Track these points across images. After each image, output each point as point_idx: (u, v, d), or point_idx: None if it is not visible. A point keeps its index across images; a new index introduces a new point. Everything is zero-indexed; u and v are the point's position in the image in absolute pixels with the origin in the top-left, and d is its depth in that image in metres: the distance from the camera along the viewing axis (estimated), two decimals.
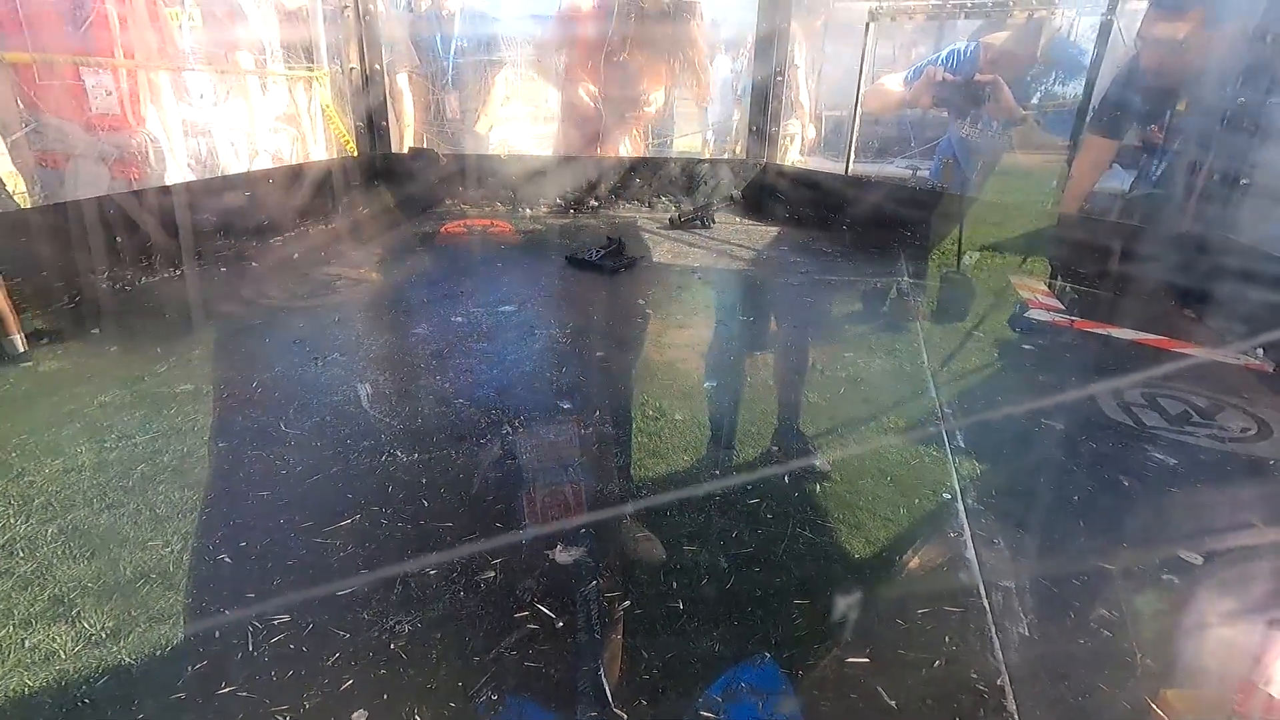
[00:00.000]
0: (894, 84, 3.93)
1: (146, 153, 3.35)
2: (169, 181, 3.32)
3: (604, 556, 1.20)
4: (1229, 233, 2.39)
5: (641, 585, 1.14)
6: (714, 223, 3.84)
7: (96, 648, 0.99)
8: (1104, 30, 2.88)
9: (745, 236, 3.63)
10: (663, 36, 4.41)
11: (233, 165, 4.26)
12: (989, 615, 1.08)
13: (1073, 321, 2.39)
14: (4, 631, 1.02)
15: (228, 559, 1.17)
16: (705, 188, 4.21)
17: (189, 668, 0.96)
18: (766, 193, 4.12)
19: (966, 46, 3.71)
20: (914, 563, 1.22)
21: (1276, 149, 2.30)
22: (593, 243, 3.20)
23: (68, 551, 1.18)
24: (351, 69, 3.93)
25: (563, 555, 1.19)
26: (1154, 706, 0.94)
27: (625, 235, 3.29)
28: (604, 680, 0.96)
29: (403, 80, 4.95)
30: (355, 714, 0.90)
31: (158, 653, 0.99)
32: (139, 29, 3.23)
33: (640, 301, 2.60)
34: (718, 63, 5.97)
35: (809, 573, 1.17)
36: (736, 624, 1.06)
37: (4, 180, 3.27)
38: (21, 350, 1.93)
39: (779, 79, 3.94)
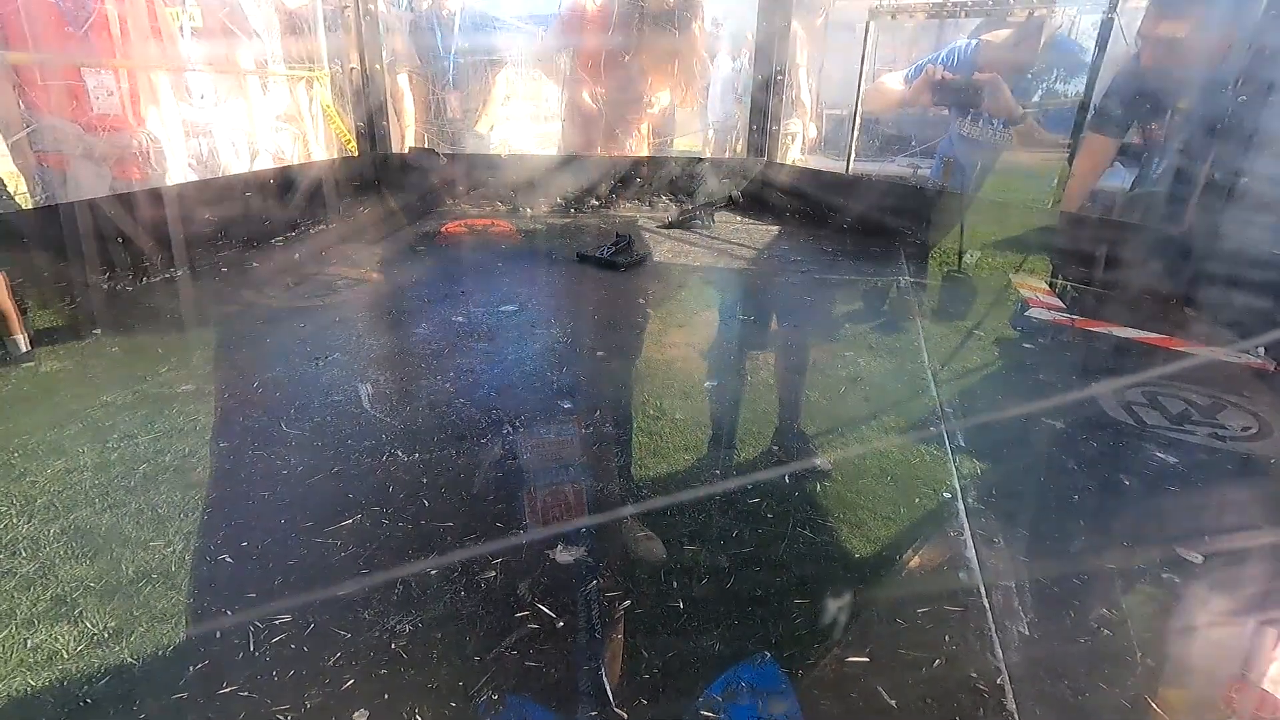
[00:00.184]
0: (894, 83, 3.92)
1: (148, 153, 3.35)
2: (170, 182, 3.32)
3: (604, 556, 1.20)
4: (1230, 231, 2.39)
5: (642, 584, 1.14)
6: (714, 222, 3.84)
7: (99, 647, 1.00)
8: (1105, 28, 2.87)
9: (746, 235, 3.63)
10: (665, 37, 4.40)
11: (234, 165, 4.26)
12: (989, 614, 1.09)
13: (1074, 320, 2.39)
14: (7, 631, 1.02)
15: (229, 559, 1.18)
16: (706, 187, 4.20)
17: (191, 667, 0.97)
18: (767, 192, 4.12)
19: (967, 45, 3.70)
20: (914, 562, 1.22)
21: (1277, 149, 2.30)
22: (602, 240, 3.22)
23: (70, 551, 1.19)
24: (352, 69, 3.93)
25: (563, 555, 1.20)
26: (1153, 705, 0.95)
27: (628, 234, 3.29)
28: (604, 679, 0.96)
29: (403, 80, 4.95)
30: (356, 713, 0.90)
31: (159, 652, 0.99)
32: (139, 29, 3.24)
33: (641, 301, 2.60)
34: (719, 61, 5.96)
35: (809, 572, 1.17)
36: (737, 623, 1.06)
37: (5, 181, 3.27)
38: (24, 350, 1.94)
39: (780, 78, 3.94)
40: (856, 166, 3.98)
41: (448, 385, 1.83)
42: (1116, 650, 1.03)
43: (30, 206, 3.14)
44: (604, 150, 4.56)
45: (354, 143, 4.21)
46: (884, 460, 1.52)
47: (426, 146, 4.75)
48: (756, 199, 4.19)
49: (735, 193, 4.25)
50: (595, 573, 1.16)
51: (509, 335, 2.18)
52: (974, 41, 3.68)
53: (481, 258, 3.20)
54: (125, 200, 2.61)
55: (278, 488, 1.37)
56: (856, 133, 3.74)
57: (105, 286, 2.48)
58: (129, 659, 0.98)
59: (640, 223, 3.86)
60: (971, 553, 1.22)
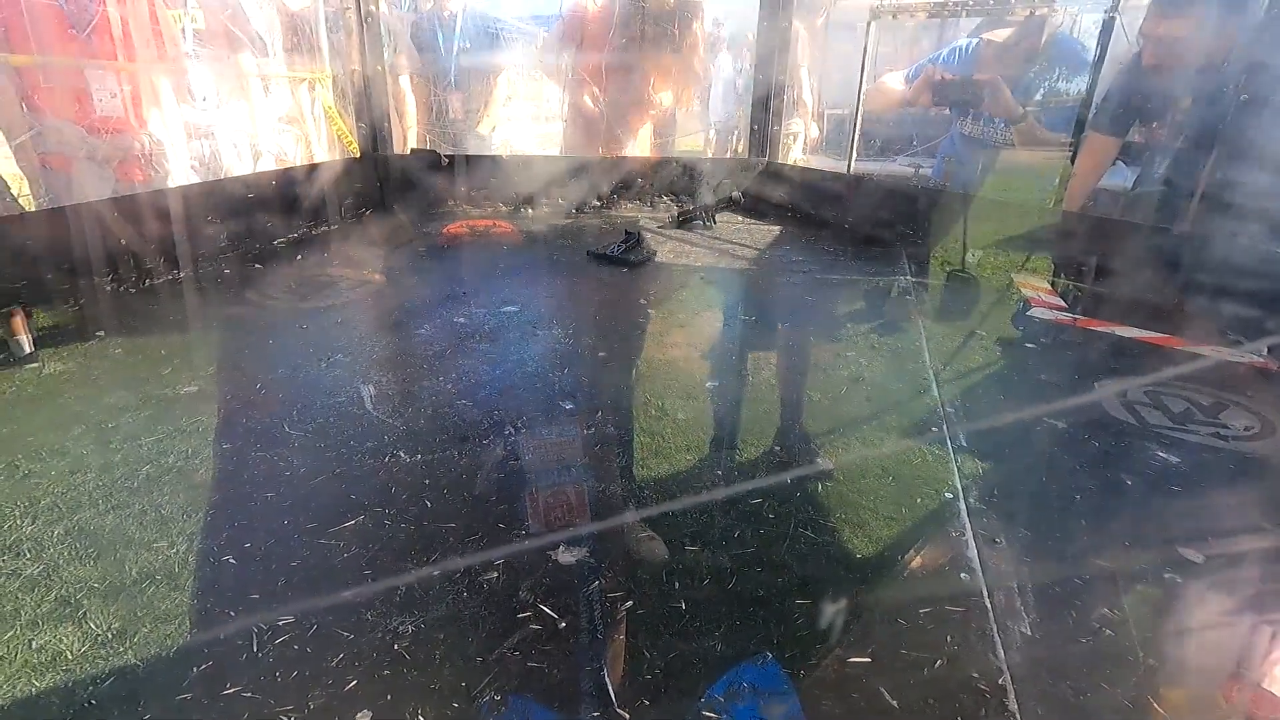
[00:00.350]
0: (895, 82, 3.92)
1: (150, 155, 3.37)
2: (172, 184, 3.33)
3: (606, 557, 1.20)
4: (1233, 230, 2.38)
5: (644, 585, 1.14)
6: (716, 222, 3.84)
7: (103, 648, 1.00)
8: (1106, 27, 2.87)
9: (747, 235, 3.63)
10: (666, 38, 4.41)
11: (236, 167, 4.27)
12: (991, 614, 1.08)
13: (1076, 319, 2.39)
14: (11, 632, 1.02)
15: (232, 560, 1.18)
16: (707, 187, 4.20)
17: (194, 668, 0.97)
18: (769, 192, 4.12)
19: (968, 44, 3.70)
20: (916, 562, 1.22)
21: (1277, 147, 2.29)
22: (608, 240, 3.24)
23: (74, 552, 1.19)
24: (353, 70, 3.94)
25: (565, 556, 1.20)
26: (1156, 705, 0.95)
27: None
28: (607, 680, 0.96)
29: (405, 81, 4.96)
30: (359, 715, 0.91)
31: (163, 653, 0.99)
32: (141, 32, 3.25)
33: (642, 301, 2.60)
34: (720, 62, 5.97)
35: (811, 572, 1.17)
36: (739, 623, 1.06)
37: (9, 183, 3.28)
38: (28, 352, 1.95)
39: (780, 78, 3.94)
40: (858, 166, 3.97)
41: (450, 386, 1.83)
42: (1118, 650, 1.03)
43: (34, 208, 3.15)
44: (605, 151, 4.56)
45: (355, 144, 4.21)
46: (886, 460, 1.52)
47: (428, 148, 4.76)
48: (758, 199, 4.19)
49: (736, 193, 4.25)
50: (597, 573, 1.16)
51: (511, 336, 2.18)
52: (975, 40, 3.68)
53: (483, 259, 3.21)
54: (128, 202, 2.62)
55: (280, 489, 1.38)
56: (857, 133, 3.74)
57: (109, 288, 2.49)
58: (133, 660, 0.98)
59: (641, 223, 3.86)
60: (973, 553, 1.22)
